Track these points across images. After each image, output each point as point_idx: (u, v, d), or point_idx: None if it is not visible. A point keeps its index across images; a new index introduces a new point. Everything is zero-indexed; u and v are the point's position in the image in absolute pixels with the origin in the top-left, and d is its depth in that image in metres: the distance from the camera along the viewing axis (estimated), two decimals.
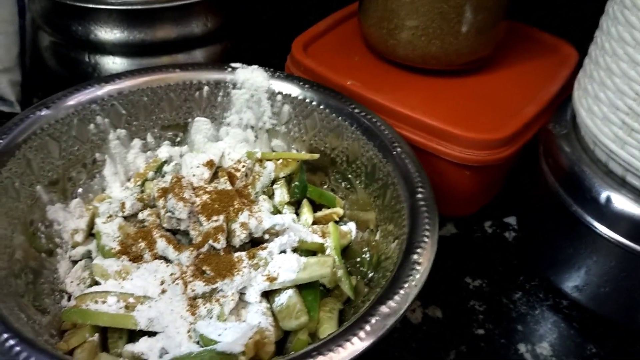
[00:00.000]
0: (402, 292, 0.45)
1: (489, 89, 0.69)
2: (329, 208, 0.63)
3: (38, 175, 0.57)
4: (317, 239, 0.57)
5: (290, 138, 0.67)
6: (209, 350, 0.45)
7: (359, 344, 0.41)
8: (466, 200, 0.68)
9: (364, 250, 0.58)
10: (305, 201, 0.62)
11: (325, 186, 0.65)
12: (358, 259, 0.58)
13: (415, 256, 0.48)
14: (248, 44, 0.86)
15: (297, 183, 0.63)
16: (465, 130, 0.61)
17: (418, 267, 0.47)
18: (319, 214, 0.62)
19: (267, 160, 0.64)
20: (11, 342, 0.40)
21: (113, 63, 0.77)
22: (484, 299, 0.62)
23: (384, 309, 0.44)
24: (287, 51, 0.74)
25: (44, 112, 0.58)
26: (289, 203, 0.62)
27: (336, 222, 0.60)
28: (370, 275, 0.55)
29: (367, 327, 0.42)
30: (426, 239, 0.49)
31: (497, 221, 0.71)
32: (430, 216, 0.51)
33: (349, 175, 0.62)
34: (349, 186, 0.63)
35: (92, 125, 0.61)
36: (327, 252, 0.56)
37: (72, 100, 0.60)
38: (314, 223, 0.61)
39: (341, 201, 0.63)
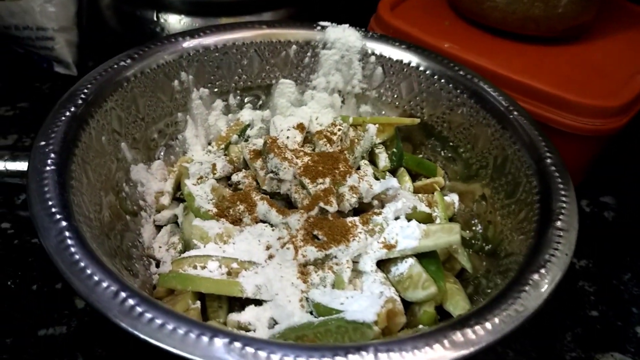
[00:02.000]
0: (554, 259, 0.40)
1: (592, 57, 0.64)
2: (427, 178, 0.58)
3: (123, 132, 0.52)
4: (424, 208, 0.52)
5: (382, 104, 0.62)
6: (337, 319, 0.40)
7: (523, 309, 0.37)
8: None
9: (473, 222, 0.54)
10: (402, 170, 0.58)
11: (420, 155, 0.61)
12: (467, 231, 0.53)
13: (559, 223, 0.43)
14: (318, 7, 0.81)
15: (394, 150, 0.58)
16: (580, 96, 0.57)
17: (563, 234, 0.42)
18: (418, 183, 0.57)
19: (359, 125, 0.59)
20: (131, 301, 0.35)
21: (181, 22, 0.72)
22: (592, 280, 0.58)
23: (535, 277, 0.39)
24: (361, 15, 0.69)
25: (129, 64, 0.53)
26: (385, 173, 0.57)
27: None
28: (488, 248, 0.50)
29: (525, 296, 0.38)
30: (565, 205, 0.44)
31: (595, 200, 0.67)
32: (564, 181, 0.47)
33: (451, 143, 0.58)
34: (449, 155, 0.58)
35: (176, 82, 0.57)
36: (437, 222, 0.51)
37: (157, 54, 0.55)
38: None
39: (441, 170, 0.58)
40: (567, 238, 0.42)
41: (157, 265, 0.50)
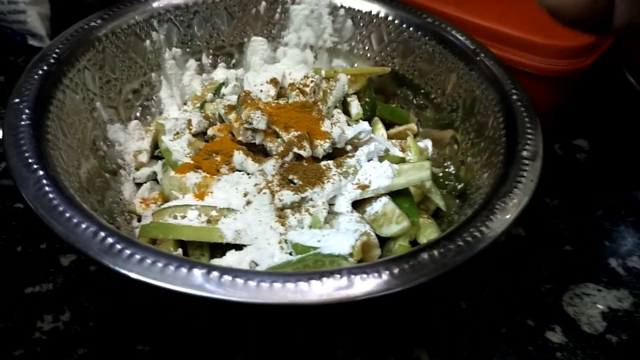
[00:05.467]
0: (520, 185, 0.42)
1: None
2: (400, 126, 0.59)
3: (97, 91, 0.53)
4: (398, 152, 0.53)
5: (354, 56, 0.63)
6: (314, 254, 0.42)
7: (489, 231, 0.38)
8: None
9: (445, 164, 0.55)
10: (376, 118, 0.59)
11: (393, 105, 0.62)
12: (440, 174, 0.55)
13: (524, 152, 0.44)
14: None
15: (367, 100, 0.59)
16: (545, 38, 0.58)
17: (529, 162, 0.44)
18: (392, 130, 0.58)
19: (332, 77, 0.60)
20: (110, 239, 0.36)
21: None
22: (565, 218, 0.59)
23: (505, 201, 0.40)
24: None
25: (100, 24, 0.53)
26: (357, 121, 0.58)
27: None
28: (460, 187, 0.52)
29: (493, 218, 0.39)
30: (531, 136, 0.46)
31: (567, 143, 0.68)
32: (529, 115, 0.48)
33: (422, 90, 0.59)
34: (421, 102, 0.59)
35: (148, 42, 0.57)
36: None
37: (128, 14, 0.56)
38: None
39: (414, 118, 0.59)
40: (533, 166, 0.43)
41: (139, 220, 0.51)
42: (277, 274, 0.35)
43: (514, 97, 0.49)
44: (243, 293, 0.34)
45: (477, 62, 0.53)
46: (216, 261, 0.45)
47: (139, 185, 0.54)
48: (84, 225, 0.36)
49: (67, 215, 0.37)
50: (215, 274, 0.34)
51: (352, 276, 0.35)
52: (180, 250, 0.46)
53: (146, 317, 0.47)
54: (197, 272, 0.34)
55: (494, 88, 0.51)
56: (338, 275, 0.35)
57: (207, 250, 0.47)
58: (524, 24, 0.60)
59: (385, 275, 0.35)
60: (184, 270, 0.34)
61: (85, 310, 0.48)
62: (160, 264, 0.35)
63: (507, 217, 0.40)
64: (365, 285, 0.35)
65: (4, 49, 0.76)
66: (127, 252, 0.35)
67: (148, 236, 0.46)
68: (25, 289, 0.49)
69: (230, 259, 0.45)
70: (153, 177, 0.54)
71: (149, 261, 0.35)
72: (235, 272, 0.34)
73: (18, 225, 0.54)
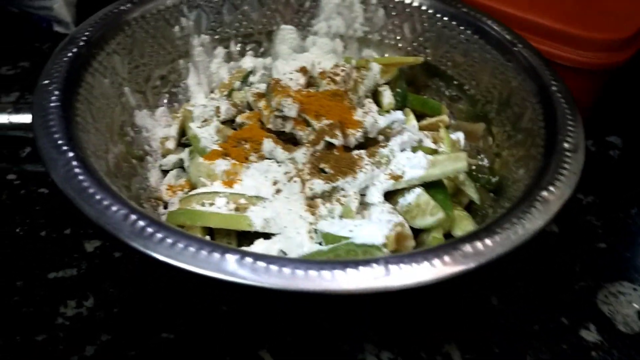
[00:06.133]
0: (562, 177, 0.40)
1: None
2: (432, 117, 0.58)
3: (125, 76, 0.52)
4: (430, 144, 0.52)
5: (385, 46, 0.62)
6: (346, 244, 0.40)
7: (531, 224, 0.37)
8: None
9: (479, 157, 0.54)
10: (407, 109, 0.57)
11: (425, 96, 0.60)
12: (473, 167, 0.53)
13: (566, 144, 0.43)
14: None
15: (398, 90, 0.58)
16: (583, 29, 0.56)
17: (571, 155, 0.42)
18: (424, 122, 0.57)
19: (362, 67, 0.59)
20: (142, 222, 0.35)
21: None
22: (600, 215, 0.58)
23: (547, 194, 0.39)
24: None
25: (129, 8, 0.53)
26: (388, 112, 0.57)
27: None
28: (495, 180, 0.50)
29: (534, 211, 0.38)
30: (572, 127, 0.44)
31: (600, 140, 0.66)
32: (569, 106, 0.46)
33: (455, 82, 0.58)
34: (454, 94, 0.58)
35: (177, 28, 0.56)
36: None
37: None
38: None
39: (446, 109, 0.58)
40: (575, 158, 0.42)
41: (165, 207, 0.50)
42: (312, 261, 0.34)
43: (553, 87, 0.48)
44: (277, 280, 0.33)
45: (515, 52, 0.52)
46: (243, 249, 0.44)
47: (165, 172, 0.53)
48: (114, 208, 0.36)
49: (98, 197, 0.36)
50: (248, 259, 0.33)
51: (390, 265, 0.33)
52: (207, 238, 0.45)
53: (171, 304, 0.46)
54: (231, 258, 0.33)
55: (532, 79, 0.49)
56: (375, 264, 0.33)
57: (234, 238, 0.46)
58: (559, 15, 0.58)
59: (423, 266, 0.34)
60: (216, 255, 0.33)
61: (109, 297, 0.47)
62: (192, 249, 0.34)
63: (550, 209, 0.38)
64: (403, 275, 0.33)
65: (30, 35, 0.76)
66: (159, 235, 0.34)
67: (175, 222, 0.45)
68: (48, 274, 0.49)
69: (259, 247, 0.44)
70: (180, 165, 0.53)
71: (180, 245, 0.34)
72: (269, 259, 0.33)
73: (42, 210, 0.54)
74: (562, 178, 0.40)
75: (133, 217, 0.35)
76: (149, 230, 0.35)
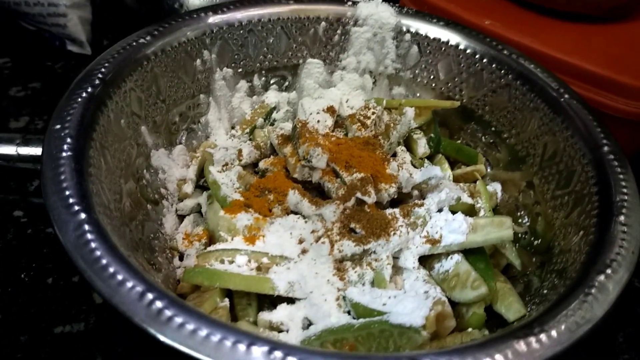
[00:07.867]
0: (619, 258, 0.37)
1: None
2: (466, 165, 0.54)
3: (143, 114, 0.48)
4: (467, 199, 0.48)
5: (416, 85, 0.58)
6: (380, 322, 0.37)
7: (590, 315, 0.33)
8: None
9: (519, 214, 0.50)
10: (440, 156, 0.54)
11: (459, 141, 0.57)
12: (518, 226, 0.49)
13: (622, 217, 0.39)
14: None
15: (431, 135, 0.54)
16: (632, 78, 0.53)
17: (628, 230, 0.38)
18: (458, 171, 0.53)
19: (394, 108, 0.55)
20: (159, 303, 0.31)
21: None
22: None
23: (601, 278, 0.35)
24: None
25: (149, 41, 0.49)
26: (422, 160, 0.54)
27: None
28: (537, 243, 0.46)
29: (592, 299, 0.34)
30: (628, 197, 0.41)
31: None
32: (624, 171, 0.43)
33: (493, 128, 0.54)
34: (491, 141, 0.54)
35: (198, 61, 0.53)
36: (481, 214, 0.48)
37: (179, 31, 0.51)
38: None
39: (482, 157, 0.54)
40: (632, 234, 0.38)
41: (181, 258, 0.47)
42: (345, 356, 0.30)
43: (606, 148, 0.44)
44: None
45: (562, 104, 0.48)
46: (265, 314, 0.41)
47: (181, 217, 0.50)
48: (129, 284, 0.32)
49: (111, 270, 0.33)
50: (278, 354, 0.30)
51: None
52: (226, 300, 0.41)
53: None
54: (257, 351, 0.30)
55: (582, 136, 0.46)
56: None
57: (254, 299, 0.42)
58: (606, 61, 0.54)
59: None
60: (241, 347, 0.30)
61: (118, 358, 0.44)
62: (215, 338, 0.30)
63: (609, 295, 0.34)
64: None
65: (42, 54, 0.73)
66: (178, 320, 0.31)
67: (192, 282, 0.42)
68: (54, 328, 0.45)
69: (281, 313, 0.41)
70: (197, 210, 0.50)
71: (202, 334, 0.30)
72: (300, 354, 0.30)
73: (50, 253, 0.50)
74: (619, 258, 0.37)
75: (150, 295, 0.32)
76: (167, 313, 0.31)
